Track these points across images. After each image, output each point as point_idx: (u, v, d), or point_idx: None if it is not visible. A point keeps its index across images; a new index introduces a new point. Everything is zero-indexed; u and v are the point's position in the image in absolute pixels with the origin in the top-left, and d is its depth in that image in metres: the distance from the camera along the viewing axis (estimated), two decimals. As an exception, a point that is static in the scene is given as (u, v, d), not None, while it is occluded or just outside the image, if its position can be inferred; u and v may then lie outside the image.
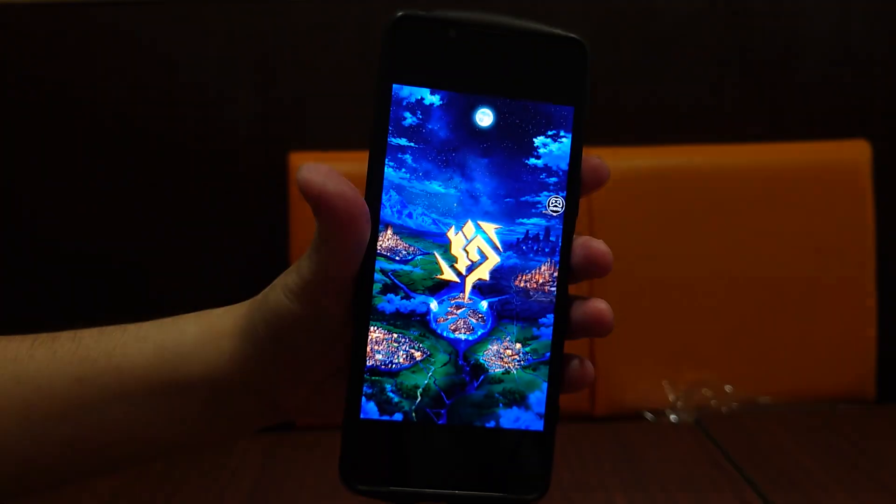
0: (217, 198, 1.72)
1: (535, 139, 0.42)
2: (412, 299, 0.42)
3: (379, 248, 0.41)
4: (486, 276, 0.42)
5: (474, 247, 0.42)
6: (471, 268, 0.42)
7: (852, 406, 1.46)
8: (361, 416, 0.41)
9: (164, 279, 1.75)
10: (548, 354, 0.43)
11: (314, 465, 1.13)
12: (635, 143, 1.64)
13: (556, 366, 0.43)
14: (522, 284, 0.42)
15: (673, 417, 1.41)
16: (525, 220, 0.42)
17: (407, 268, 0.42)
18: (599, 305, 0.42)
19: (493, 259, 0.42)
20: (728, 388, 1.48)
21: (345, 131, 1.66)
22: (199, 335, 0.48)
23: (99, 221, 1.73)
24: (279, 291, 0.43)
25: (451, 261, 0.42)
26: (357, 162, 1.50)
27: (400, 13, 0.41)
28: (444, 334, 0.42)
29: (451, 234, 0.42)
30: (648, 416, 1.46)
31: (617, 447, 1.20)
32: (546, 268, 0.43)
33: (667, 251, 1.55)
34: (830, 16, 1.70)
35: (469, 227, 0.42)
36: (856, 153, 1.58)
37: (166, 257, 1.74)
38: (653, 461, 1.16)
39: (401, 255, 0.42)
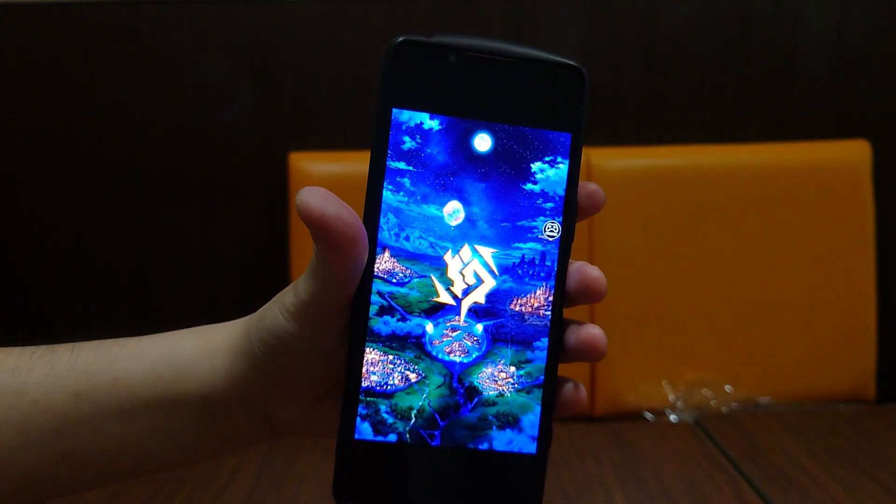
0: (217, 197, 1.73)
1: (532, 165, 0.42)
2: (408, 321, 0.42)
3: (376, 270, 0.42)
4: (482, 300, 0.42)
5: (471, 270, 0.42)
6: (467, 291, 0.42)
7: (852, 406, 1.46)
8: (356, 436, 0.41)
9: (163, 278, 1.75)
10: (542, 378, 0.43)
11: (314, 465, 1.13)
12: (635, 143, 1.64)
13: (550, 389, 0.43)
14: (518, 308, 0.43)
15: (673, 417, 1.41)
16: (521, 245, 0.42)
17: (403, 290, 0.42)
18: (593, 331, 0.42)
19: (489, 283, 0.42)
20: (728, 388, 1.48)
21: (345, 131, 1.67)
22: (194, 351, 0.48)
23: (99, 221, 1.73)
24: (276, 311, 0.43)
25: (448, 284, 0.42)
26: (356, 161, 1.50)
27: (400, 38, 0.41)
28: (439, 356, 0.42)
29: (447, 257, 0.42)
30: (648, 416, 1.46)
31: (617, 447, 1.20)
32: (541, 292, 0.43)
33: (667, 251, 1.55)
34: (830, 16, 1.70)
35: (466, 250, 0.42)
36: (856, 153, 1.58)
37: (166, 256, 1.74)
38: (653, 461, 1.16)
39: (397, 277, 0.42)
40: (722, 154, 1.61)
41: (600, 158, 1.54)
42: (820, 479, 1.09)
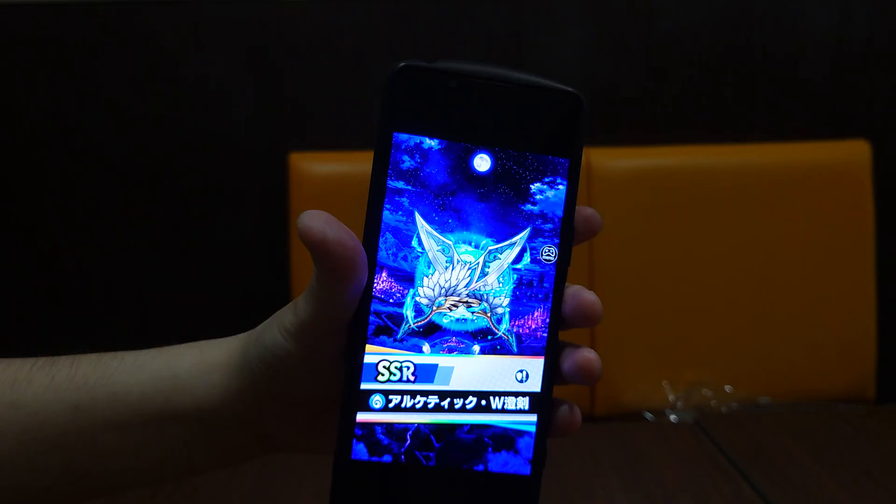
0: (217, 197, 1.73)
1: (529, 189, 0.43)
2: (405, 342, 0.42)
3: (374, 290, 0.42)
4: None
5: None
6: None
7: (852, 406, 1.45)
8: (352, 456, 0.42)
9: (163, 277, 1.75)
10: (537, 400, 0.43)
11: (314, 465, 1.13)
12: (635, 143, 1.64)
13: (545, 412, 0.43)
14: (514, 330, 0.43)
15: (673, 417, 1.41)
16: (518, 265, 0.43)
17: (400, 310, 0.42)
18: (588, 356, 0.43)
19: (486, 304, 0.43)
20: (728, 388, 1.48)
21: (345, 131, 1.67)
22: (193, 367, 0.48)
23: (98, 221, 1.73)
24: (275, 330, 0.43)
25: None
26: (356, 162, 1.50)
27: (402, 64, 0.41)
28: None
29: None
30: (648, 416, 1.46)
31: (617, 447, 1.20)
32: (538, 314, 0.43)
33: (667, 251, 1.55)
34: (830, 16, 1.70)
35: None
36: (856, 153, 1.58)
37: (166, 256, 1.74)
38: (653, 461, 1.16)
39: (395, 297, 0.42)
40: (722, 154, 1.61)
41: (600, 158, 1.54)
42: (820, 479, 1.09)
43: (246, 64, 1.69)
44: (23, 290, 1.75)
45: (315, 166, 1.54)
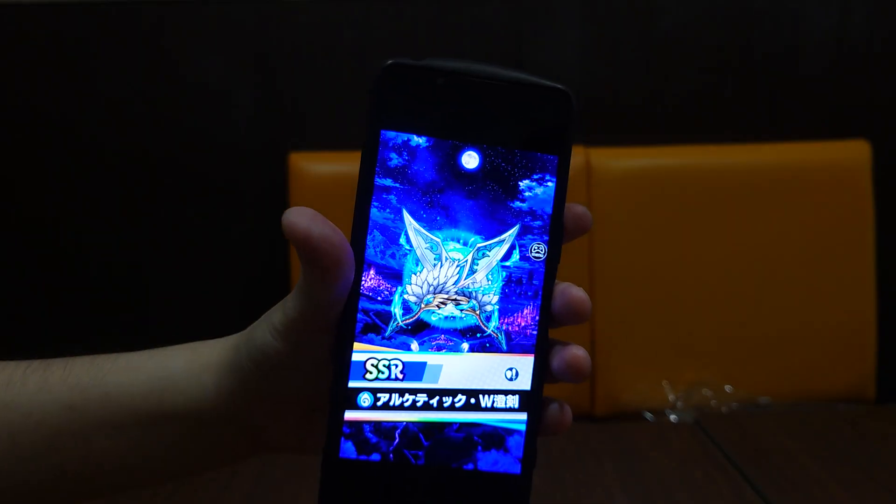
0: (217, 197, 1.73)
1: (518, 186, 0.42)
2: (393, 339, 0.42)
3: (361, 287, 0.42)
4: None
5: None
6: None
7: (852, 406, 1.45)
8: (340, 455, 0.42)
9: (163, 278, 1.75)
10: (527, 398, 0.43)
11: (314, 466, 1.13)
12: (635, 143, 1.64)
13: (535, 410, 0.43)
14: (504, 327, 0.43)
15: (673, 417, 1.41)
16: (508, 263, 0.43)
17: (389, 308, 0.42)
18: (577, 353, 0.43)
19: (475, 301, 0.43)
20: (728, 388, 1.48)
21: (345, 131, 1.67)
22: (186, 367, 0.48)
23: (98, 221, 1.73)
24: (265, 329, 0.43)
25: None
26: (356, 162, 1.49)
27: (390, 62, 0.41)
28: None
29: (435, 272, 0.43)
30: (648, 416, 1.46)
31: (617, 447, 1.20)
32: (527, 312, 0.43)
33: (667, 251, 1.55)
34: (830, 16, 1.70)
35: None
36: (856, 153, 1.58)
37: (166, 256, 1.74)
38: (653, 461, 1.16)
39: (383, 295, 0.42)
40: (722, 154, 1.61)
41: (600, 158, 1.53)
42: (820, 479, 1.09)
43: (246, 64, 1.69)
44: (23, 290, 1.76)
45: (315, 166, 1.54)
